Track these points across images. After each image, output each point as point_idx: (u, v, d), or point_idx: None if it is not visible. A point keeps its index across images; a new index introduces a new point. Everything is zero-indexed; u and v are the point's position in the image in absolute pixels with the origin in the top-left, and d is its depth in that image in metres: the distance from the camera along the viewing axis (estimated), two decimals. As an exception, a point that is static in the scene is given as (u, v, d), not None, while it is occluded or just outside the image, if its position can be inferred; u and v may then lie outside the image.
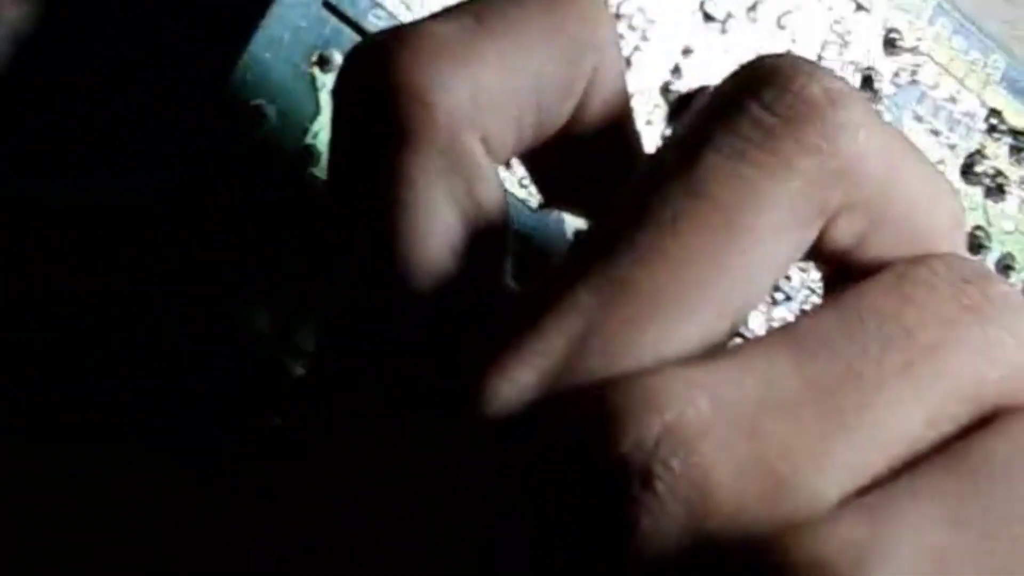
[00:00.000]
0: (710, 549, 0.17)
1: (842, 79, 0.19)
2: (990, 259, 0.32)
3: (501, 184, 0.20)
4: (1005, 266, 0.32)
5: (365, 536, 0.18)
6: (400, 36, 0.20)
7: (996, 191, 0.32)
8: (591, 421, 0.17)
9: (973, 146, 0.32)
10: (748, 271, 0.19)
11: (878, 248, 0.20)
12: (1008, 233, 0.32)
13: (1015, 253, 0.32)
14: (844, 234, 0.20)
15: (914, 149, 0.21)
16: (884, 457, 0.18)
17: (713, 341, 0.19)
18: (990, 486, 0.18)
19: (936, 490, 0.18)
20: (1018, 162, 0.32)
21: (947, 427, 0.19)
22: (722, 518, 0.17)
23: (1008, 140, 0.32)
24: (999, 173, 0.32)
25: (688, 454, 0.17)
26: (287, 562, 0.18)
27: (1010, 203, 0.32)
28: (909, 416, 0.18)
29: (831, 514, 0.17)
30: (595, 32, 0.21)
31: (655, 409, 0.17)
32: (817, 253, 0.20)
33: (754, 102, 0.19)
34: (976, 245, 0.32)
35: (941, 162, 0.31)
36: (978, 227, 0.32)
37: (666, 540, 0.17)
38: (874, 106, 0.30)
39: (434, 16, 0.20)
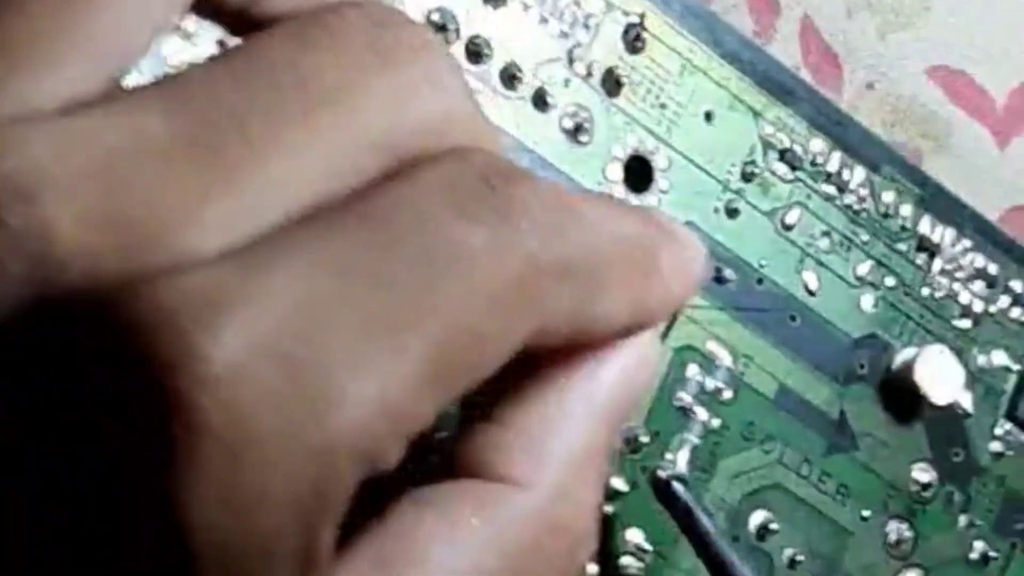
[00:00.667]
0: (59, 306, 0.16)
1: None
2: (492, 69, 0.29)
3: None
4: (511, 76, 0.29)
5: None
6: None
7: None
8: None
9: (464, -54, 0.29)
10: (121, 21, 0.17)
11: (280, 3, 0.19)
12: (510, 43, 0.29)
13: (519, 62, 0.29)
14: None
15: None
16: (276, 210, 0.17)
17: (88, 95, 0.17)
18: (388, 233, 0.17)
19: (326, 238, 0.16)
20: (518, -35, 0.29)
21: (353, 179, 0.17)
22: (72, 274, 0.16)
23: (503, -60, 0.29)
24: (495, -24, 0.29)
25: (28, 207, 0.15)
26: None
27: (512, 10, 0.29)
28: (307, 168, 0.17)
29: (194, 264, 0.16)
30: None
31: None
32: (214, 10, 0.19)
33: None
34: (475, 54, 0.29)
35: (428, -37, 0.29)
36: (476, 36, 0.29)
37: (8, 300, 0.16)
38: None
39: None
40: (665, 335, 0.29)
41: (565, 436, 0.21)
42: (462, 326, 0.17)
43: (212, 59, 0.18)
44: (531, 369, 0.21)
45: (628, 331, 0.21)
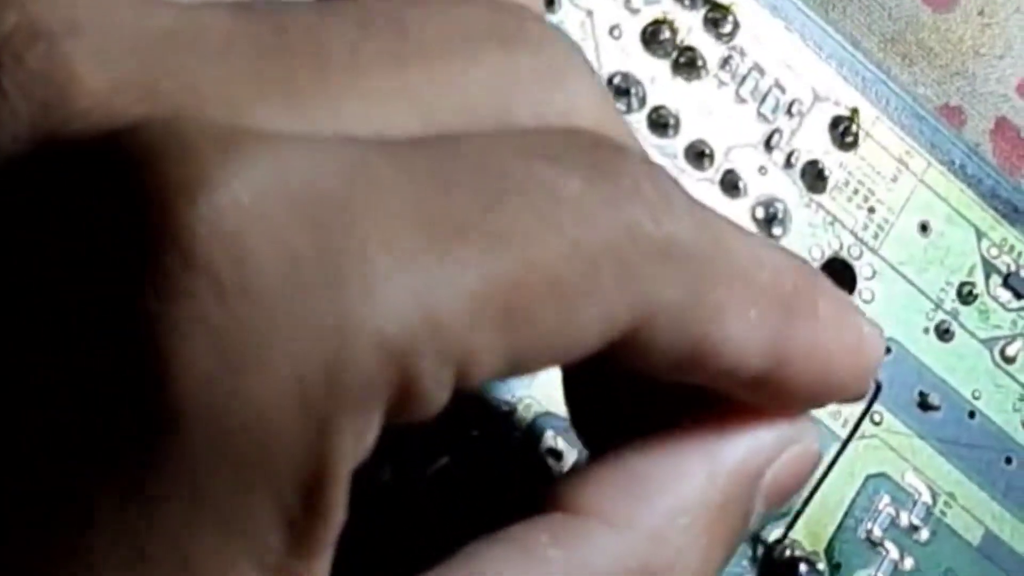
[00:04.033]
0: (66, 149, 0.14)
1: None
2: (678, 143, 0.27)
3: None
4: (698, 153, 0.27)
5: None
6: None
7: (687, 67, 0.27)
8: None
9: (657, 12, 0.27)
10: None
11: None
12: (701, 119, 0.28)
13: (709, 141, 0.27)
14: None
15: None
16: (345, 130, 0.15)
17: None
18: (467, 156, 0.15)
19: (391, 143, 0.15)
20: (718, 39, 0.28)
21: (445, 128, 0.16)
22: (83, 130, 0.14)
23: (703, 11, 0.28)
24: (689, 48, 0.28)
25: (50, 50, 0.14)
26: None
27: (707, 85, 0.28)
28: (383, 118, 0.16)
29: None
30: None
31: (12, 2, 0.15)
32: None
33: None
34: (660, 125, 0.27)
35: (617, 27, 0.27)
36: (662, 106, 0.27)
37: (13, 137, 0.14)
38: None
39: None
40: (843, 446, 0.26)
41: (674, 486, 0.19)
42: (539, 267, 0.15)
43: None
44: (657, 421, 0.19)
45: (767, 388, 0.19)
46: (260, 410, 0.14)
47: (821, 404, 0.20)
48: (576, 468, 0.19)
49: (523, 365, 0.16)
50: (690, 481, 0.19)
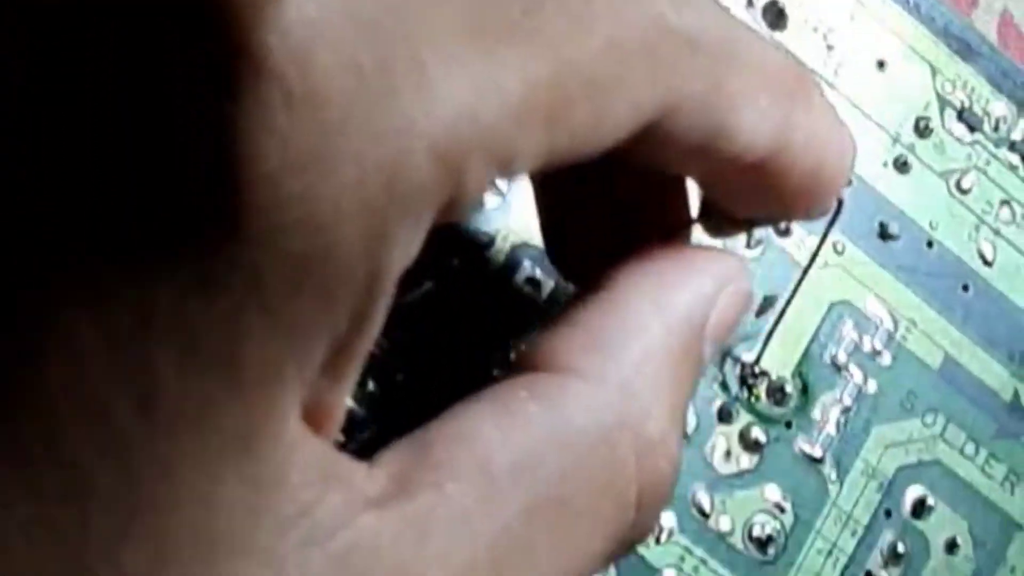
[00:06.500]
0: None
1: None
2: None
3: None
4: None
5: None
6: None
7: None
8: None
9: None
10: None
11: None
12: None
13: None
14: None
15: None
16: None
17: None
18: None
19: None
20: None
21: None
22: None
23: None
24: None
25: None
26: None
27: None
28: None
29: None
30: None
31: None
32: None
33: None
34: None
35: None
36: None
37: None
38: None
39: None
40: (807, 268, 0.27)
41: (635, 339, 0.19)
42: (577, 65, 0.16)
43: None
44: (605, 279, 0.20)
45: (765, 175, 0.20)
46: (321, 211, 0.14)
47: (805, 208, 0.21)
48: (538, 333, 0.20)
49: (557, 159, 0.17)
50: (648, 333, 0.20)
